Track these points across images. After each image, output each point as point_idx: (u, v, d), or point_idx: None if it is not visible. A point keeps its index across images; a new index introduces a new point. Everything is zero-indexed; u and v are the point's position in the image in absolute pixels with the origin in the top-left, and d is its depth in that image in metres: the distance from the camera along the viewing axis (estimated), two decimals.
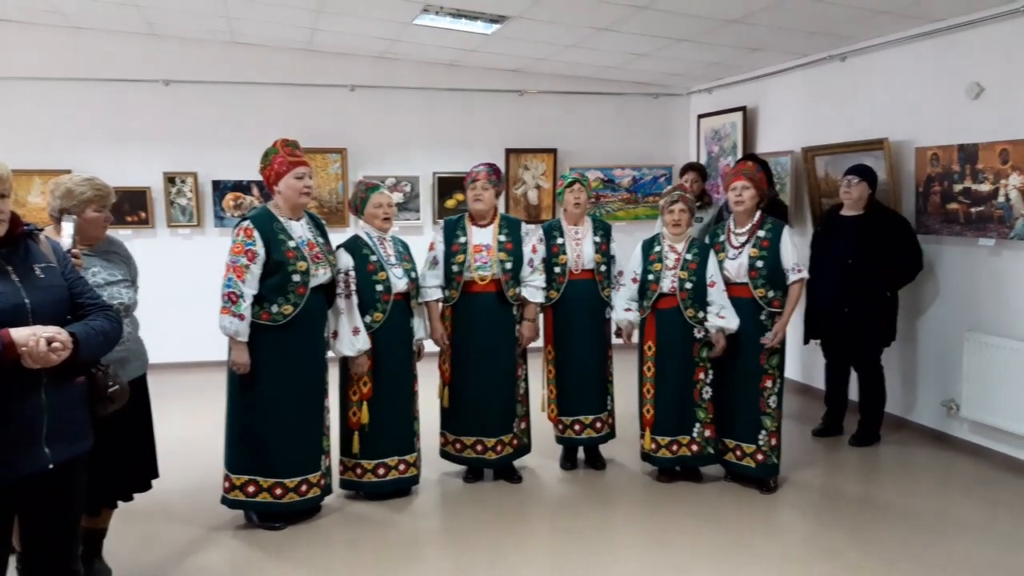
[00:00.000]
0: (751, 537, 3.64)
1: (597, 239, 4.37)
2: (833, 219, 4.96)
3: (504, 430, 4.24)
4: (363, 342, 3.82)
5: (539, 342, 4.41)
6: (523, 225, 4.32)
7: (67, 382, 2.18)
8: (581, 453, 4.61)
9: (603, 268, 4.36)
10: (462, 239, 4.17)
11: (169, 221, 6.88)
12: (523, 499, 4.12)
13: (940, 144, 4.80)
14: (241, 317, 3.47)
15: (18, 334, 1.97)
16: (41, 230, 2.33)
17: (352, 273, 3.84)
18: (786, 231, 4.11)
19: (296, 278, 3.54)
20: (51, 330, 2.03)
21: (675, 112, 7.86)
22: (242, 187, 6.91)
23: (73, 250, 2.54)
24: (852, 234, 4.74)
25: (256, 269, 3.50)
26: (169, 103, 6.76)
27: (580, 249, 4.34)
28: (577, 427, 4.42)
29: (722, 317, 4.05)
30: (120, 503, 3.20)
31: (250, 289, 3.49)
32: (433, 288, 4.16)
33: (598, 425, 4.43)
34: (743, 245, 4.11)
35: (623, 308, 4.23)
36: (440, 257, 4.18)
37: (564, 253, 4.34)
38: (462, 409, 4.21)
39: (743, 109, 6.83)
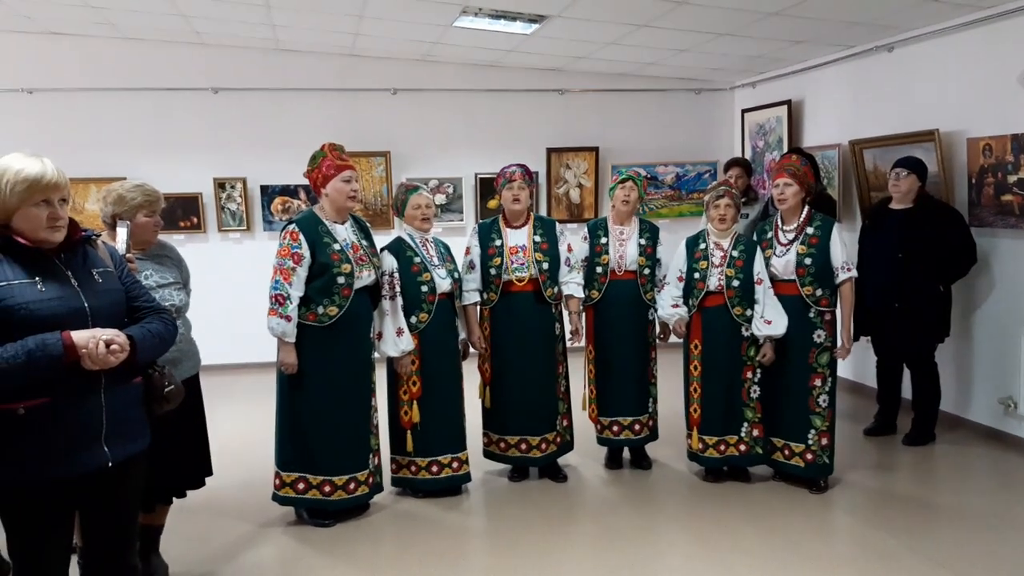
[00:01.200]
0: (800, 538, 3.59)
1: (643, 241, 4.33)
2: (882, 213, 4.85)
3: (548, 428, 4.25)
4: (407, 343, 3.86)
5: (581, 341, 4.41)
6: (557, 225, 4.32)
7: (125, 383, 2.25)
8: (627, 453, 4.59)
9: (646, 271, 4.32)
10: (497, 242, 4.18)
11: (220, 226, 7.04)
12: (568, 499, 4.13)
13: (993, 134, 4.67)
14: (288, 318, 3.54)
15: (78, 337, 2.04)
16: (98, 235, 2.40)
17: (396, 275, 3.89)
18: (836, 228, 4.03)
19: (340, 280, 3.59)
20: (110, 333, 2.09)
21: (718, 107, 7.77)
22: (289, 191, 7.04)
23: (127, 254, 2.62)
24: (902, 228, 4.64)
25: (302, 272, 3.57)
26: (218, 110, 6.92)
27: (623, 250, 4.32)
28: (616, 428, 4.41)
29: (768, 322, 3.99)
30: (175, 500, 3.29)
31: (296, 291, 3.56)
32: (471, 292, 4.18)
33: (636, 427, 4.40)
34: (791, 242, 4.04)
35: (670, 304, 4.18)
36: (477, 261, 4.20)
37: (607, 253, 4.32)
38: (505, 409, 4.23)
39: (788, 103, 6.72)
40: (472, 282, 4.19)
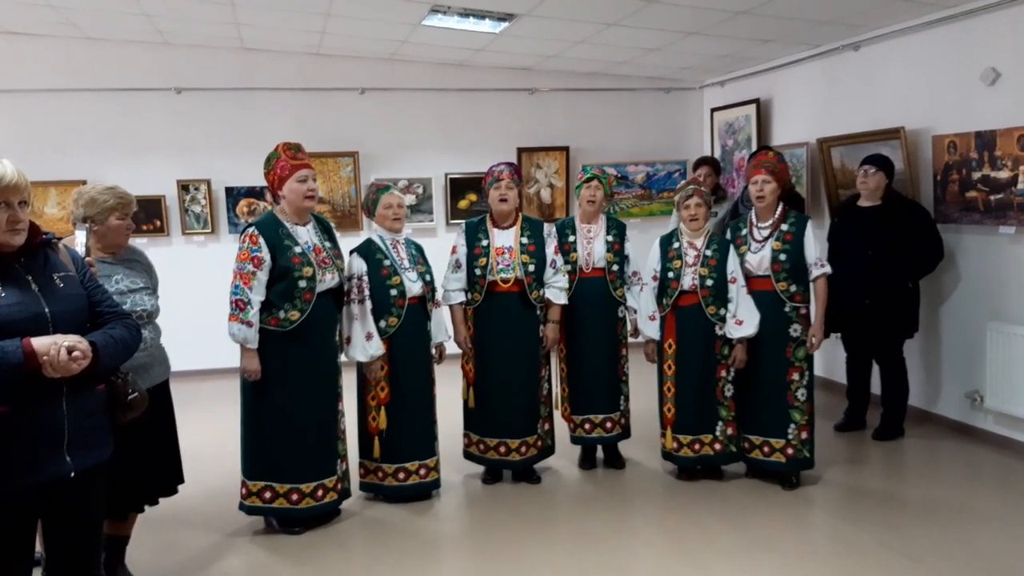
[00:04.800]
0: (774, 534, 3.60)
1: (610, 238, 4.33)
2: (851, 210, 4.91)
3: (528, 431, 4.22)
4: (376, 347, 3.81)
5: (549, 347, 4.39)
6: (545, 226, 4.29)
7: (87, 390, 2.19)
8: (600, 452, 4.58)
9: (615, 267, 4.33)
10: (484, 242, 4.15)
11: (184, 228, 6.92)
12: (543, 500, 4.10)
13: (957, 132, 4.74)
14: (249, 324, 3.47)
15: (39, 343, 1.98)
16: (60, 239, 2.34)
17: (365, 278, 3.83)
18: (810, 225, 4.06)
19: (302, 284, 3.52)
20: (72, 339, 2.03)
21: (688, 106, 7.82)
22: (255, 193, 6.93)
23: (88, 258, 2.55)
24: (870, 225, 4.69)
25: (263, 275, 3.49)
26: (181, 111, 6.80)
27: (591, 247, 4.31)
28: (588, 426, 4.40)
29: (740, 323, 4.00)
30: (146, 507, 3.22)
31: (257, 296, 3.49)
32: (456, 292, 4.15)
33: (608, 425, 4.39)
34: (766, 239, 4.06)
35: (647, 315, 4.18)
36: (464, 261, 4.16)
37: (575, 251, 4.31)
38: (486, 410, 4.19)
39: (756, 101, 6.78)
40: (457, 281, 4.15)
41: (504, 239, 4.17)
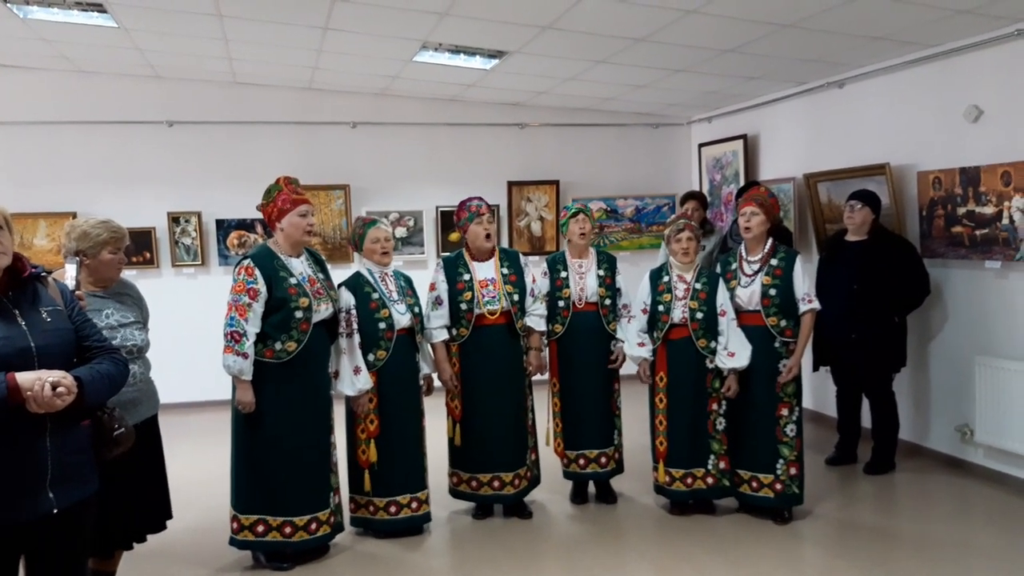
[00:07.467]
0: (766, 570, 3.57)
1: (601, 272, 4.35)
2: (838, 245, 4.94)
3: (520, 463, 4.19)
4: (364, 381, 3.78)
5: (544, 374, 4.37)
6: (520, 256, 4.31)
7: (72, 426, 2.17)
8: (592, 487, 4.55)
9: (607, 301, 4.33)
10: (466, 276, 4.14)
11: (174, 261, 6.90)
12: (534, 536, 4.06)
13: (942, 167, 4.80)
14: (244, 356, 3.44)
15: (23, 378, 1.96)
16: (49, 272, 2.33)
17: (353, 312, 3.82)
18: (799, 260, 4.08)
19: (299, 315, 3.52)
20: (56, 374, 2.01)
21: (676, 141, 7.90)
22: (246, 225, 6.93)
23: (77, 291, 2.54)
24: (857, 259, 4.72)
25: (258, 307, 3.48)
26: (173, 144, 6.81)
27: (583, 283, 4.32)
28: (582, 461, 4.37)
29: (731, 355, 4.00)
30: (133, 544, 3.16)
31: (253, 327, 3.47)
32: (439, 329, 4.11)
33: (603, 460, 4.37)
34: (756, 273, 4.08)
35: (636, 343, 4.19)
36: (444, 297, 4.12)
37: (567, 287, 4.32)
38: (477, 446, 4.14)
39: (744, 137, 6.86)
40: (439, 319, 4.10)
41: (485, 271, 4.17)
